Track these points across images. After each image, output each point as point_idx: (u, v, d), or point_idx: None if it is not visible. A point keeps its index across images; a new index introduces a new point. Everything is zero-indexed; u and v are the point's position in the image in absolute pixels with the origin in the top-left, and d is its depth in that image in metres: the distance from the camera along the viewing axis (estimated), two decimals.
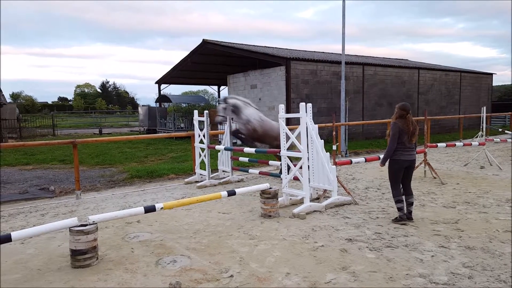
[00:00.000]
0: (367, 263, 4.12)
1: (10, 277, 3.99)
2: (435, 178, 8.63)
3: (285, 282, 3.73)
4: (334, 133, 7.40)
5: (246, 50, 20.09)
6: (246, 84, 20.51)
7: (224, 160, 9.32)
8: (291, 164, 6.47)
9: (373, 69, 20.81)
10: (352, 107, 18.87)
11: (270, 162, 8.37)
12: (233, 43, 22.04)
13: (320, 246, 4.65)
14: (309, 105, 6.41)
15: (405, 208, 5.59)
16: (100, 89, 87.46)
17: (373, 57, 29.15)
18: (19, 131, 25.62)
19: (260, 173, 8.48)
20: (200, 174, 9.17)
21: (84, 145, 16.57)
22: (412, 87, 22.94)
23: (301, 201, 6.47)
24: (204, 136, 8.95)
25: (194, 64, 24.07)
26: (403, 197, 5.63)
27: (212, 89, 31.88)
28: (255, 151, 7.89)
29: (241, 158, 8.83)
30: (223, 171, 9.44)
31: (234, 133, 8.88)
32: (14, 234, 3.84)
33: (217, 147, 8.95)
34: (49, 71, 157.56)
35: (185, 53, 26.33)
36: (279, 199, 6.29)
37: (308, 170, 6.39)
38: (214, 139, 17.80)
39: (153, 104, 33.34)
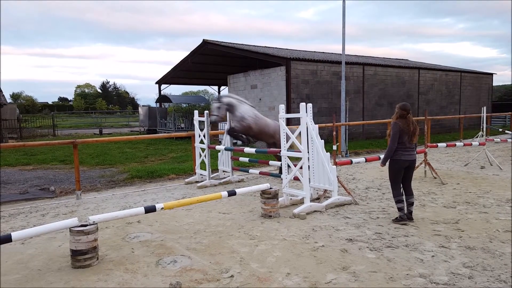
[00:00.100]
0: (368, 263, 4.12)
1: (10, 277, 3.99)
2: (435, 178, 8.63)
3: (285, 282, 3.73)
4: (334, 133, 7.40)
5: (246, 50, 20.09)
6: (247, 84, 20.51)
7: (225, 160, 9.33)
8: (291, 164, 6.47)
9: (374, 69, 20.81)
10: (352, 107, 18.87)
11: (271, 162, 8.37)
12: (234, 43, 22.04)
13: (320, 246, 4.64)
14: (310, 105, 6.41)
15: (405, 208, 5.59)
16: (101, 89, 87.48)
17: (373, 57, 29.15)
18: (20, 131, 25.64)
19: (260, 173, 8.48)
20: (201, 174, 9.17)
21: (84, 145, 16.57)
22: (412, 87, 22.94)
23: (301, 201, 6.47)
24: (204, 136, 8.95)
25: (194, 64, 24.08)
26: (404, 197, 5.63)
27: (212, 89, 31.85)
28: (256, 151, 7.89)
29: (241, 158, 8.83)
30: (224, 171, 9.45)
31: (229, 132, 8.78)
32: (14, 234, 3.84)
33: (217, 147, 8.96)
34: (49, 71, 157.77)
35: (186, 54, 26.33)
36: (280, 199, 6.30)
37: (309, 170, 6.39)
38: (215, 139, 17.81)
39: (153, 104, 33.32)
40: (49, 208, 7.08)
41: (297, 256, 4.35)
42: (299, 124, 6.39)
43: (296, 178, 6.51)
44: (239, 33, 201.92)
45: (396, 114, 5.61)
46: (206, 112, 8.89)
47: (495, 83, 30.54)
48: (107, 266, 4.19)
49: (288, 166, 6.57)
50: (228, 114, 8.61)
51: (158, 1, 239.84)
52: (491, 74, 29.00)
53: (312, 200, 6.53)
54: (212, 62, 24.57)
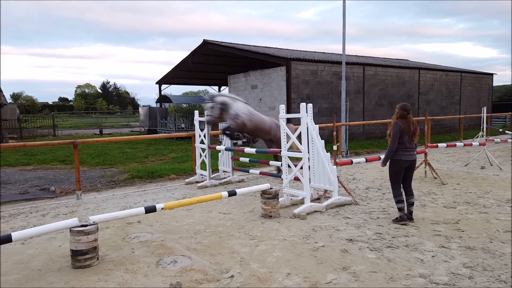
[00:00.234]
0: (368, 263, 4.12)
1: (10, 277, 3.99)
2: (435, 178, 8.62)
3: (285, 282, 3.73)
4: (334, 133, 7.40)
5: (246, 51, 20.09)
6: (247, 84, 20.52)
7: (225, 161, 9.33)
8: (291, 164, 6.47)
9: (374, 70, 20.81)
10: (352, 107, 18.87)
11: (271, 162, 8.36)
12: (234, 44, 22.04)
13: (320, 247, 4.64)
14: (310, 105, 6.41)
15: (405, 208, 5.58)
16: (101, 90, 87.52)
17: (373, 57, 29.15)
18: (20, 132, 25.65)
19: (260, 173, 8.48)
20: (201, 175, 9.17)
21: (84, 146, 16.58)
22: (412, 87, 22.94)
23: (301, 201, 6.47)
24: (204, 136, 8.95)
25: (194, 64, 24.08)
26: (404, 197, 5.63)
27: (212, 90, 31.82)
28: (256, 151, 7.89)
29: (241, 159, 8.84)
30: (224, 171, 9.45)
31: (224, 131, 8.72)
32: (14, 235, 3.84)
33: (217, 147, 8.95)
34: (49, 71, 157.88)
35: (186, 54, 26.35)
36: (280, 199, 6.30)
37: (309, 170, 6.39)
38: (215, 139, 17.80)
39: (153, 105, 33.35)
40: (49, 208, 7.09)
41: (297, 256, 4.35)
42: (299, 124, 6.39)
43: (296, 178, 6.51)
44: (239, 33, 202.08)
45: (396, 114, 5.61)
46: (206, 112, 8.88)
47: (495, 83, 30.56)
48: (108, 266, 4.19)
49: (289, 166, 6.57)
50: (222, 113, 8.49)
51: (158, 1, 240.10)
52: (491, 74, 29.00)
53: (313, 200, 6.53)
54: (212, 62, 24.58)
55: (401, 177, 5.63)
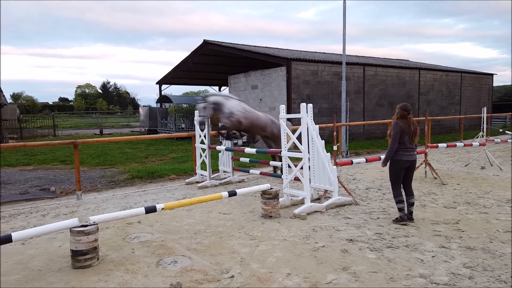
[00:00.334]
0: (368, 264, 4.12)
1: (10, 277, 3.99)
2: (435, 178, 8.62)
3: (286, 282, 3.73)
4: (335, 133, 7.39)
5: (247, 51, 20.10)
6: (247, 84, 20.52)
7: (225, 161, 9.33)
8: (292, 165, 6.47)
9: (374, 70, 20.81)
10: (352, 108, 18.87)
11: (271, 162, 8.36)
12: (234, 44, 22.04)
13: (321, 247, 4.65)
14: (310, 105, 6.41)
15: (405, 208, 5.58)
16: (101, 90, 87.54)
17: (373, 57, 29.14)
18: (20, 132, 25.66)
19: (261, 173, 8.48)
20: (201, 175, 9.17)
21: (85, 146, 16.58)
22: (413, 88, 22.93)
23: (302, 202, 6.47)
24: (205, 136, 8.95)
25: (195, 64, 24.08)
26: (404, 197, 5.63)
27: (213, 90, 31.81)
28: (256, 151, 7.89)
29: (242, 159, 8.84)
30: (224, 171, 9.45)
31: (219, 131, 8.63)
32: (14, 235, 3.84)
33: (218, 147, 8.95)
34: (50, 71, 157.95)
35: (186, 54, 26.36)
36: (280, 199, 6.30)
37: (309, 170, 6.39)
38: (215, 140, 17.80)
39: (154, 105, 33.35)
40: (50, 209, 7.09)
41: (297, 257, 4.35)
42: (299, 124, 6.39)
43: (296, 179, 6.51)
44: (239, 33, 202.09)
45: (396, 114, 5.61)
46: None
47: (495, 84, 30.57)
48: (108, 266, 4.19)
49: (289, 166, 6.57)
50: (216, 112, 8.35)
51: (158, 1, 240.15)
52: (492, 75, 29.00)
53: (313, 201, 6.53)
54: (212, 62, 24.58)
55: (401, 177, 5.63)
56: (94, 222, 4.27)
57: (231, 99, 8.57)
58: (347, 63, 17.92)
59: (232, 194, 5.63)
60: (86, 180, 9.83)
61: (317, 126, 6.52)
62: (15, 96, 79.09)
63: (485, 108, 12.47)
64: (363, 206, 6.53)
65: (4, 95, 23.48)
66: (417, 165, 6.11)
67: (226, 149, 8.80)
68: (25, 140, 23.47)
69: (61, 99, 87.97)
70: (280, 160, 7.33)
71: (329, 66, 18.86)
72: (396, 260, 4.21)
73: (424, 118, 9.06)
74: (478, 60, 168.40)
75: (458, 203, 6.62)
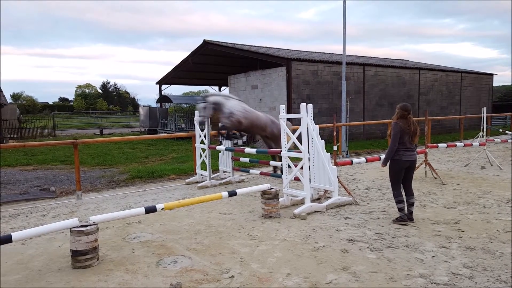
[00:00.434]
0: (368, 264, 4.12)
1: (10, 277, 3.99)
2: (435, 178, 8.62)
3: (286, 282, 3.73)
4: (335, 133, 7.39)
5: (247, 51, 20.10)
6: (247, 84, 20.52)
7: (225, 161, 9.33)
8: (292, 165, 6.47)
9: (374, 70, 20.81)
10: (353, 108, 18.87)
11: (271, 162, 8.35)
12: (234, 44, 22.04)
13: (321, 247, 4.64)
14: (310, 105, 6.41)
15: (405, 208, 5.58)
16: (101, 90, 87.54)
17: (373, 57, 29.14)
18: (20, 132, 25.67)
19: (261, 173, 8.47)
20: (201, 175, 9.17)
21: (85, 146, 16.58)
22: (413, 88, 22.93)
23: (302, 202, 6.47)
24: (205, 136, 8.95)
25: (195, 64, 24.08)
26: (404, 197, 5.63)
27: (213, 90, 31.82)
28: (256, 151, 7.89)
29: (242, 159, 8.84)
30: (224, 171, 9.45)
31: (219, 131, 8.61)
32: (14, 235, 3.84)
33: (218, 147, 8.95)
34: (50, 71, 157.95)
35: (186, 54, 26.35)
36: (280, 199, 6.30)
37: (309, 170, 6.39)
38: (215, 140, 17.80)
39: (154, 105, 33.36)
40: (50, 209, 7.09)
41: (297, 257, 4.35)
42: (299, 124, 6.39)
43: (296, 179, 6.50)
44: (239, 33, 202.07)
45: (396, 114, 5.61)
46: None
47: (495, 84, 30.57)
48: (108, 266, 4.19)
49: (289, 166, 6.57)
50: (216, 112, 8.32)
51: (158, 1, 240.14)
52: (492, 75, 29.00)
53: (313, 201, 6.53)
54: (212, 62, 24.58)
55: (401, 177, 5.63)
56: (94, 222, 4.27)
57: (231, 99, 8.56)
58: (347, 63, 17.92)
59: (232, 194, 5.63)
60: (86, 180, 9.83)
61: (317, 126, 6.52)
62: (15, 96, 79.12)
63: (485, 108, 12.47)
64: (363, 206, 6.53)
65: (4, 95, 23.48)
66: (417, 165, 6.12)
67: (226, 149, 8.80)
68: (25, 140, 23.47)
69: (61, 99, 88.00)
70: (280, 160, 7.32)
71: (329, 66, 18.86)
72: (396, 260, 4.21)
73: (424, 118, 9.06)
74: (478, 60, 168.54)
75: (458, 203, 6.62)
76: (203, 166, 9.06)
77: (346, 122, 15.30)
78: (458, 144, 10.17)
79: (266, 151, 7.91)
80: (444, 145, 9.75)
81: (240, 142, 9.04)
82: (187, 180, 9.29)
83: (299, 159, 6.41)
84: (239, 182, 9.08)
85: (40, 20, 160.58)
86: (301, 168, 6.30)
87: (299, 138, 6.32)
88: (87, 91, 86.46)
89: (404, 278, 3.77)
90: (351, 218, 5.85)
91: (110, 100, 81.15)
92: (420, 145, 10.00)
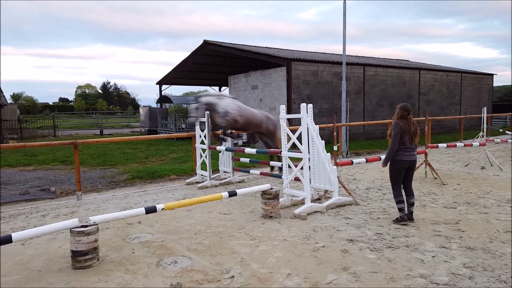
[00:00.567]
0: (368, 264, 4.12)
1: (10, 278, 3.99)
2: (436, 178, 8.62)
3: (286, 282, 3.73)
4: (335, 133, 7.39)
5: (247, 51, 20.11)
6: (247, 84, 20.53)
7: (225, 161, 9.33)
8: (292, 165, 6.47)
9: (374, 70, 20.82)
10: (353, 108, 18.88)
11: (271, 162, 8.35)
12: (234, 44, 22.05)
13: (321, 247, 4.64)
14: (310, 105, 6.41)
15: (406, 208, 5.58)
16: (101, 90, 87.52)
17: (374, 57, 29.15)
18: (20, 132, 25.68)
19: (261, 173, 8.47)
20: (201, 175, 9.17)
21: (85, 146, 16.59)
22: (413, 88, 22.94)
23: (302, 202, 6.47)
24: (205, 136, 8.95)
25: (195, 64, 24.09)
26: (404, 197, 5.63)
27: (213, 90, 31.83)
28: (256, 151, 7.89)
29: (242, 159, 8.84)
30: (224, 171, 9.45)
31: (213, 130, 8.57)
32: (14, 235, 3.84)
33: (218, 147, 8.95)
34: (50, 71, 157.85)
35: (186, 54, 26.38)
36: (280, 199, 6.30)
37: (309, 170, 6.39)
38: (216, 140, 17.80)
39: (154, 105, 33.36)
40: (50, 209, 7.09)
41: (297, 257, 4.35)
42: (299, 124, 6.39)
43: (296, 179, 6.51)
44: (239, 33, 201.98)
45: (396, 114, 5.61)
46: (207, 112, 8.87)
47: (495, 84, 30.59)
48: (108, 266, 4.19)
49: (289, 166, 6.57)
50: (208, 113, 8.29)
51: (158, 1, 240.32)
52: (492, 75, 29.01)
53: (313, 201, 6.53)
54: (213, 62, 24.59)
55: (402, 178, 5.63)
56: (94, 222, 4.27)
57: (224, 98, 8.54)
58: (347, 63, 17.93)
59: (232, 194, 5.63)
60: (86, 181, 9.83)
61: (317, 126, 6.53)
62: (15, 97, 79.09)
63: (485, 108, 12.47)
64: (363, 206, 6.53)
65: (4, 96, 23.48)
66: (417, 165, 6.12)
67: (226, 150, 8.80)
68: (25, 140, 23.48)
69: (61, 99, 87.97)
70: (279, 160, 7.33)
71: (329, 66, 18.87)
72: (396, 260, 4.21)
73: (424, 118, 9.06)
74: (478, 60, 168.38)
75: (458, 203, 6.62)
76: (203, 166, 9.06)
77: (346, 122, 15.30)
78: (458, 144, 10.17)
79: (266, 151, 7.91)
80: (444, 145, 9.75)
81: (240, 142, 9.04)
82: (187, 181, 9.29)
83: (299, 159, 6.41)
84: (239, 182, 9.08)
85: (40, 20, 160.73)
86: (301, 168, 6.30)
87: (299, 138, 6.33)
88: (87, 91, 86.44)
89: (404, 278, 3.77)
90: (351, 218, 5.85)
91: (110, 101, 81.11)
92: (420, 145, 9.99)
